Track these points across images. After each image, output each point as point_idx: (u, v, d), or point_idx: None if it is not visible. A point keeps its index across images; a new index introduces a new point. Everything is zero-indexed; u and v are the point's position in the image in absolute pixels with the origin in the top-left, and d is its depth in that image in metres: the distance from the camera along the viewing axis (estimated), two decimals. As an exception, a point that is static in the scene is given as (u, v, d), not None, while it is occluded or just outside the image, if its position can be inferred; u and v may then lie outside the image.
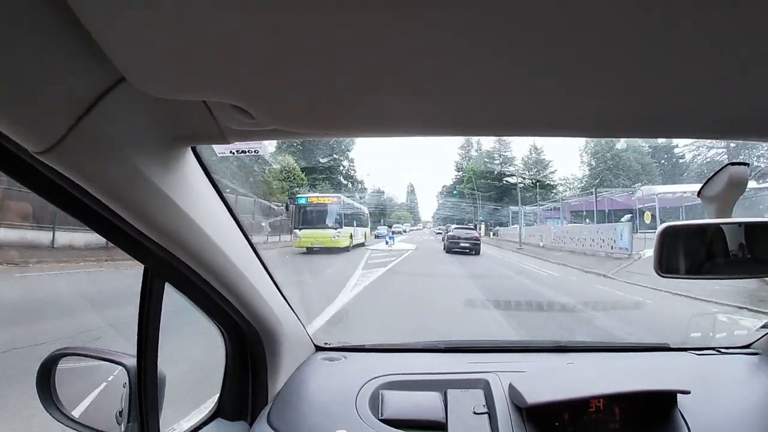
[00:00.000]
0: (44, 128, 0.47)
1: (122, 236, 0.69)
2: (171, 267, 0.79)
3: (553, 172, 39.92)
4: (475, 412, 1.11)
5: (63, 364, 1.00)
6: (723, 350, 1.51)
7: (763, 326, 1.52)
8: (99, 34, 0.40)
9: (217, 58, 0.42)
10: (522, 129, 0.61)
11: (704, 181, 0.92)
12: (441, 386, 1.18)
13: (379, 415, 1.08)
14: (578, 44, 0.37)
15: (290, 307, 1.22)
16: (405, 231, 37.86)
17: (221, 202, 0.84)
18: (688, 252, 0.90)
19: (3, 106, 0.43)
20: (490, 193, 40.04)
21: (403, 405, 1.11)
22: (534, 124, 0.57)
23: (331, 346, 1.45)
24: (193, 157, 0.73)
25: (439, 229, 37.47)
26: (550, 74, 0.42)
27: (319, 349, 1.42)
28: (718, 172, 0.89)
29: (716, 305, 7.06)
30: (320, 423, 1.06)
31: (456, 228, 19.57)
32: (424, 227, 46.57)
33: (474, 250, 16.86)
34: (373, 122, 0.58)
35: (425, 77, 0.44)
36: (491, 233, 35.10)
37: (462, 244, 16.90)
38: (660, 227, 0.89)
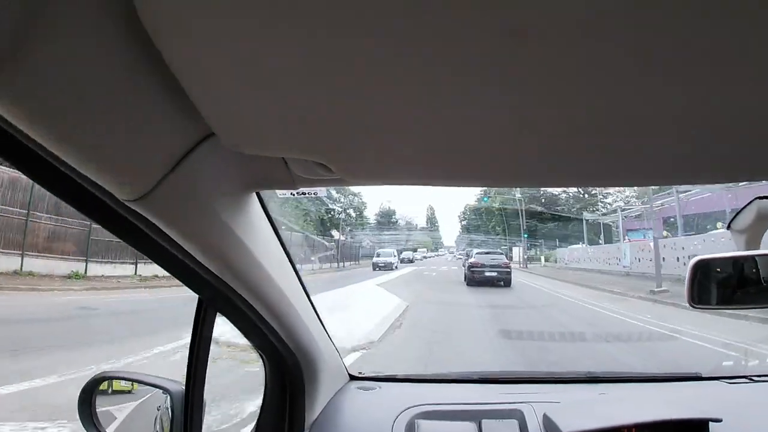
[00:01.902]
0: (139, 179, 0.53)
1: (183, 269, 0.77)
2: (225, 298, 0.87)
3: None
4: None
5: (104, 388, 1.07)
6: (756, 378, 1.53)
7: None
8: (194, 92, 0.45)
9: (303, 120, 0.49)
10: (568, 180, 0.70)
11: (733, 215, 0.98)
12: (475, 416, 1.24)
13: None
14: (594, 101, 0.45)
15: (329, 336, 1.30)
16: (410, 260, 30.73)
17: (277, 239, 0.94)
18: (719, 283, 0.96)
19: (103, 157, 0.48)
20: (527, 207, 34.25)
21: None
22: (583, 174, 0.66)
23: (365, 375, 1.52)
24: (257, 199, 0.83)
25: (460, 254, 33.85)
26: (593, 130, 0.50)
27: (353, 378, 1.50)
28: (746, 206, 0.96)
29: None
30: None
31: (479, 254, 16.45)
32: (447, 253, 44.44)
33: (503, 280, 14.63)
34: (436, 174, 0.67)
35: (476, 137, 0.52)
36: (543, 259, 28.83)
37: (487, 274, 14.70)
38: (692, 260, 0.95)
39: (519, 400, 1.31)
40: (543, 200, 34.57)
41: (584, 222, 26.85)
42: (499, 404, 1.31)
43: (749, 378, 1.54)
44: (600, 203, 32.31)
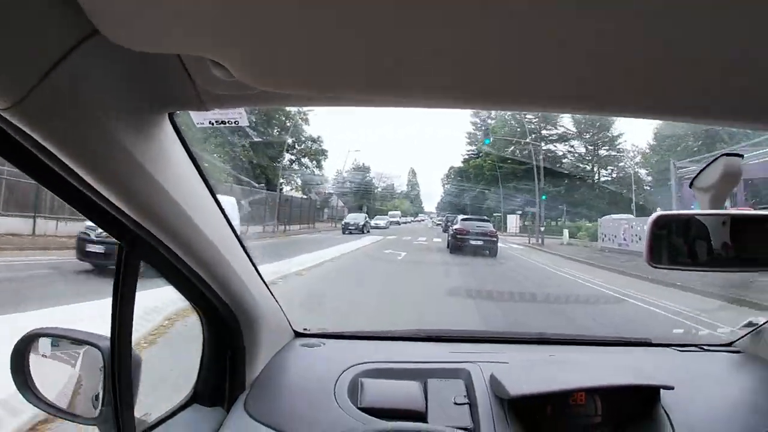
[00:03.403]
0: (10, 82, 0.49)
1: (97, 210, 0.73)
2: (147, 244, 0.85)
3: (618, 136, 30.81)
4: (455, 403, 1.21)
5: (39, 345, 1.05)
6: (705, 347, 1.64)
7: (746, 325, 1.67)
8: None
9: (194, 3, 0.44)
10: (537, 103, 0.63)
11: (697, 172, 0.99)
12: (421, 375, 1.28)
13: (358, 404, 1.18)
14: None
15: (269, 291, 1.31)
16: (359, 229, 21.52)
17: (199, 177, 0.89)
18: (679, 243, 0.98)
19: None
20: (524, 168, 29.24)
21: (382, 393, 1.21)
22: (558, 98, 0.59)
23: (311, 332, 1.56)
24: (170, 125, 0.77)
25: (439, 220, 31.97)
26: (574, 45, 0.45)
27: (298, 335, 1.53)
28: (711, 162, 0.97)
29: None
30: (298, 410, 1.16)
31: (464, 220, 16.35)
32: (428, 218, 44.01)
33: (488, 249, 14.52)
34: (374, 88, 0.58)
35: (436, 38, 0.44)
36: (566, 233, 21.46)
37: (472, 242, 14.50)
38: (651, 216, 0.96)
39: (466, 359, 1.36)
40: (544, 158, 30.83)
41: (672, 166, 18.83)
42: (445, 363, 1.35)
43: (699, 347, 1.64)
44: (611, 167, 29.75)
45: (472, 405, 1.19)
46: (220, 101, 0.69)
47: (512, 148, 31.27)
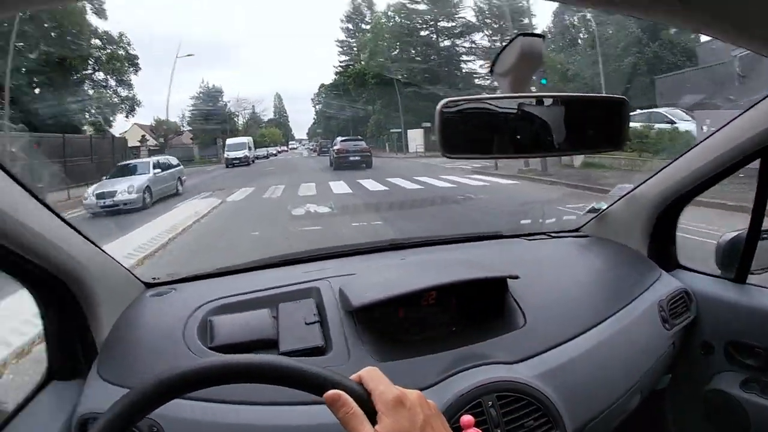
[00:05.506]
0: None
1: None
2: None
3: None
4: (306, 323, 1.22)
5: None
6: (554, 234, 1.84)
7: (590, 210, 1.89)
8: None
9: None
10: None
11: (495, 56, 0.98)
12: (272, 302, 1.29)
13: (209, 344, 1.17)
14: None
15: (95, 244, 1.25)
16: None
17: None
18: (475, 129, 0.98)
19: None
20: (423, 68, 27.84)
21: (232, 328, 1.21)
22: None
23: (161, 280, 1.51)
24: None
25: (312, 145, 33.79)
26: None
27: (149, 286, 1.48)
28: (507, 45, 0.95)
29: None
30: (148, 364, 1.13)
31: (343, 141, 21.23)
32: (299, 145, 42.32)
33: (365, 162, 19.35)
34: None
35: None
36: None
37: (351, 158, 19.22)
38: (439, 104, 0.96)
39: (317, 277, 1.39)
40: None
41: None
42: (297, 285, 1.37)
43: (547, 234, 1.82)
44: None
45: (323, 322, 1.21)
46: None
47: (396, 52, 29.49)
